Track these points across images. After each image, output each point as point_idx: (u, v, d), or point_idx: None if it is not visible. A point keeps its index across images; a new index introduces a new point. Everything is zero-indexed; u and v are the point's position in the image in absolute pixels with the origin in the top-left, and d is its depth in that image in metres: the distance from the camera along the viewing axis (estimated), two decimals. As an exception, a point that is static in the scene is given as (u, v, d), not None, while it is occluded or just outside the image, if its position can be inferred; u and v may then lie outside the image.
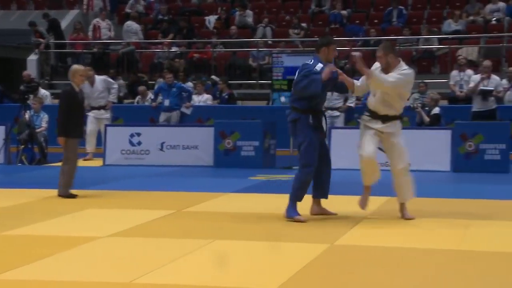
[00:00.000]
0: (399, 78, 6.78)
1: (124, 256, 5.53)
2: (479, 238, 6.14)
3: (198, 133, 12.60)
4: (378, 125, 6.88)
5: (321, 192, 7.05)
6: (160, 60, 18.29)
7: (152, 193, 9.04)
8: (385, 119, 6.88)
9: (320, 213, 7.08)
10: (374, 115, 6.89)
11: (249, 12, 19.66)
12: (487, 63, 13.01)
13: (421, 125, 12.54)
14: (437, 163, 11.32)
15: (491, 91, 12.44)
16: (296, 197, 6.85)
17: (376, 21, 19.19)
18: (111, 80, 13.83)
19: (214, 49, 18.29)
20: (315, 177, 6.98)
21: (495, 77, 12.97)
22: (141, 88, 16.14)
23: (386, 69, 6.81)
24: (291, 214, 6.81)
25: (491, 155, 11.26)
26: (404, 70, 6.87)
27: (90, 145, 13.32)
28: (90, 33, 19.20)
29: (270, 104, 15.61)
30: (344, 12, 19.23)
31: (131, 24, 18.91)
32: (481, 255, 5.52)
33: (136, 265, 5.19)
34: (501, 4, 18.07)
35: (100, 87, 13.38)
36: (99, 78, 13.55)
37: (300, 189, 6.85)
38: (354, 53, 6.95)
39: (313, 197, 7.09)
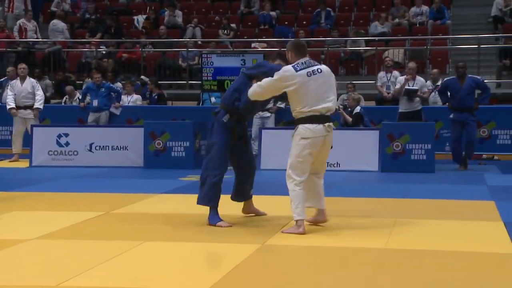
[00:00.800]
0: (259, 84, 6.34)
1: (51, 259, 5.41)
2: (405, 236, 6.27)
3: (127, 133, 12.46)
4: None
5: (245, 196, 7.06)
6: (88, 60, 18.00)
7: (80, 195, 8.89)
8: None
9: (251, 212, 7.09)
10: None
11: (178, 12, 19.57)
12: (412, 64, 13.31)
13: (344, 125, 12.74)
14: (365, 163, 11.53)
15: (416, 90, 12.74)
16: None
17: (304, 22, 19.41)
18: (39, 86, 13.50)
19: (143, 49, 18.12)
20: (237, 184, 6.98)
21: (420, 79, 13.27)
22: (68, 88, 15.85)
23: None
24: (212, 221, 6.66)
25: (417, 155, 11.54)
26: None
27: (16, 146, 13.01)
28: (15, 33, 18.71)
29: (201, 104, 15.58)
30: (273, 13, 19.37)
31: (57, 23, 18.55)
32: (407, 253, 5.63)
33: (64, 267, 5.09)
34: (425, 8, 18.55)
35: (29, 88, 13.07)
36: (30, 79, 13.26)
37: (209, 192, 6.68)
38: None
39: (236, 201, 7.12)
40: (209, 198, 6.68)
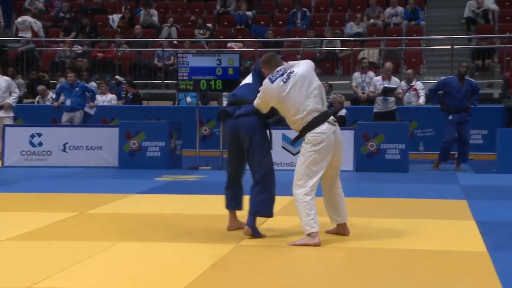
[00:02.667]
0: (258, 96, 6.07)
1: (24, 260, 5.36)
2: (379, 235, 6.31)
3: (102, 133, 12.39)
4: None
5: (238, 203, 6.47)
6: (62, 59, 17.86)
7: (54, 195, 8.82)
8: None
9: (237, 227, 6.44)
10: None
11: (154, 12, 19.50)
12: (388, 65, 13.40)
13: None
14: (340, 162, 11.55)
15: (394, 88, 12.82)
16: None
17: (280, 22, 19.44)
18: (15, 84, 13.37)
19: (118, 49, 18.03)
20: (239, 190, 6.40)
21: (395, 79, 13.38)
22: (40, 87, 15.72)
23: None
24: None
25: (391, 155, 11.61)
26: None
27: None
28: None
29: (176, 104, 15.54)
30: (249, 13, 19.37)
31: (25, 19, 18.30)
32: (381, 252, 5.67)
33: (37, 269, 5.05)
34: (399, 8, 18.68)
35: (4, 87, 12.94)
36: (3, 78, 13.12)
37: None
38: None
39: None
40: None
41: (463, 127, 11.73)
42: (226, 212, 6.42)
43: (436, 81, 12.72)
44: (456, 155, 12.00)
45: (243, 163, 6.26)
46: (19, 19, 18.53)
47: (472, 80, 12.53)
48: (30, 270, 5.04)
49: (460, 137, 11.74)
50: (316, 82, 6.02)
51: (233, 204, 6.38)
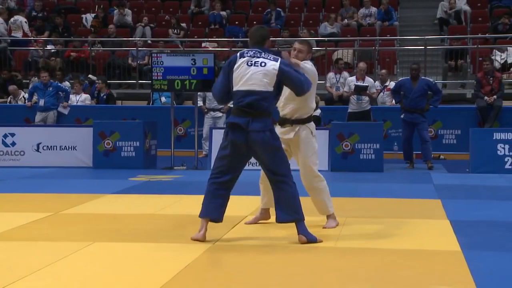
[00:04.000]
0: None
1: (-2, 262, 5.31)
2: (354, 235, 6.34)
3: (76, 133, 12.31)
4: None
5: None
6: (35, 58, 17.70)
7: (27, 195, 8.74)
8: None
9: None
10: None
11: (128, 11, 19.40)
12: (362, 65, 13.48)
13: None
14: (315, 162, 11.60)
15: (366, 87, 12.91)
16: None
17: (255, 22, 19.43)
18: None
19: (92, 48, 17.91)
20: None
21: (369, 79, 13.46)
22: (12, 87, 15.56)
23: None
24: (312, 237, 5.91)
25: (366, 155, 11.68)
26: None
27: None
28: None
29: (151, 104, 15.48)
30: (223, 13, 19.36)
31: (17, 18, 18.12)
32: (355, 251, 5.70)
33: (11, 269, 5.00)
34: (373, 9, 18.79)
35: None
36: None
37: None
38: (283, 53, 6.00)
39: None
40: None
41: (418, 127, 11.96)
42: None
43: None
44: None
45: (240, 173, 5.98)
46: (12, 19, 18.32)
47: (430, 80, 12.69)
48: (4, 271, 4.98)
49: (419, 136, 11.97)
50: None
51: (217, 215, 5.92)
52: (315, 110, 6.20)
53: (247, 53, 5.88)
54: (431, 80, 12.77)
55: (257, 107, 5.74)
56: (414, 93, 11.96)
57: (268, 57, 5.84)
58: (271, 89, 5.77)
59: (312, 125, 6.39)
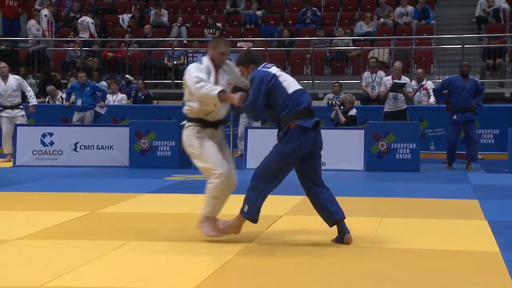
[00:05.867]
0: None
1: (35, 259, 5.38)
2: (390, 235, 6.29)
3: (113, 133, 12.42)
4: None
5: None
6: (73, 59, 17.92)
7: (65, 194, 8.84)
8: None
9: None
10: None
11: (164, 11, 19.53)
12: (398, 64, 13.35)
13: (337, 124, 12.77)
14: (351, 162, 11.56)
15: (403, 84, 12.75)
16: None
17: (290, 22, 19.42)
18: (25, 82, 13.42)
19: (129, 48, 18.06)
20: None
21: (405, 78, 13.32)
22: (49, 88, 15.76)
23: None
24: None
25: (402, 154, 11.57)
26: None
27: (7, 146, 12.90)
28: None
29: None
30: (258, 12, 19.37)
31: (35, 23, 18.37)
32: (391, 252, 5.65)
33: (48, 268, 5.06)
34: (410, 8, 18.62)
35: (14, 86, 12.97)
36: (13, 76, 13.16)
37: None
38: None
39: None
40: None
41: (468, 127, 11.71)
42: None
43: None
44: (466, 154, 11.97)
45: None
46: (79, 20, 18.52)
47: (477, 79, 12.48)
48: (42, 269, 5.05)
49: (467, 136, 11.73)
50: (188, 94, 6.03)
51: (257, 217, 5.93)
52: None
53: (267, 65, 5.99)
54: (477, 79, 12.57)
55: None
56: (466, 91, 11.69)
57: None
58: None
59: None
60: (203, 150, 5.92)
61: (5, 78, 12.94)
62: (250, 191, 5.83)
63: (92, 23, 18.33)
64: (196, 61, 6.51)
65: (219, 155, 5.93)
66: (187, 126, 6.06)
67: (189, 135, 6.01)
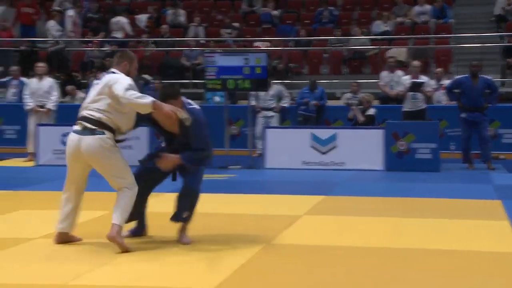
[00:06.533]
0: None
1: (58, 258, 5.40)
2: (410, 235, 6.26)
3: (134, 131, 12.30)
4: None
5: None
6: (91, 59, 17.98)
7: (86, 193, 8.82)
8: None
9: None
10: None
11: (181, 11, 19.56)
12: (416, 63, 13.29)
13: (355, 123, 12.73)
14: (370, 162, 11.52)
15: (421, 83, 12.70)
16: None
17: (307, 21, 19.38)
18: (56, 87, 13.47)
19: (146, 48, 18.10)
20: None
21: (424, 78, 13.25)
22: (69, 87, 15.83)
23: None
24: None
25: (422, 154, 11.51)
26: None
27: (32, 145, 12.97)
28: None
29: (204, 103, 15.55)
30: (275, 12, 19.35)
31: (55, 24, 18.46)
32: (411, 252, 5.61)
33: (71, 266, 5.09)
34: (427, 7, 18.52)
35: (47, 87, 13.05)
36: (48, 78, 13.26)
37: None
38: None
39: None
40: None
41: (479, 126, 11.66)
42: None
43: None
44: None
45: None
46: (114, 19, 18.58)
47: (489, 78, 12.41)
48: (65, 267, 5.07)
49: (479, 136, 11.70)
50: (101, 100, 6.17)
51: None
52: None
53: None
54: (489, 78, 12.51)
55: None
56: (475, 91, 11.68)
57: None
58: None
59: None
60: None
61: (41, 78, 13.04)
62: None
63: (128, 23, 18.38)
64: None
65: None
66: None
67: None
